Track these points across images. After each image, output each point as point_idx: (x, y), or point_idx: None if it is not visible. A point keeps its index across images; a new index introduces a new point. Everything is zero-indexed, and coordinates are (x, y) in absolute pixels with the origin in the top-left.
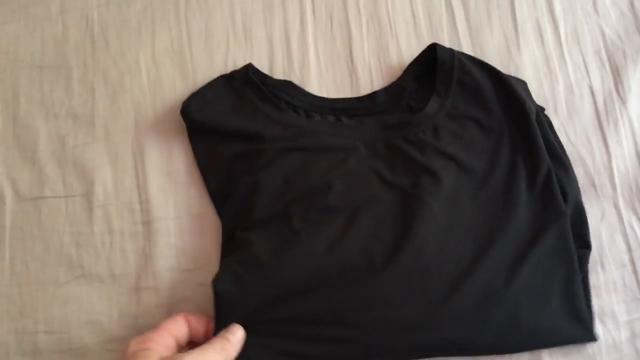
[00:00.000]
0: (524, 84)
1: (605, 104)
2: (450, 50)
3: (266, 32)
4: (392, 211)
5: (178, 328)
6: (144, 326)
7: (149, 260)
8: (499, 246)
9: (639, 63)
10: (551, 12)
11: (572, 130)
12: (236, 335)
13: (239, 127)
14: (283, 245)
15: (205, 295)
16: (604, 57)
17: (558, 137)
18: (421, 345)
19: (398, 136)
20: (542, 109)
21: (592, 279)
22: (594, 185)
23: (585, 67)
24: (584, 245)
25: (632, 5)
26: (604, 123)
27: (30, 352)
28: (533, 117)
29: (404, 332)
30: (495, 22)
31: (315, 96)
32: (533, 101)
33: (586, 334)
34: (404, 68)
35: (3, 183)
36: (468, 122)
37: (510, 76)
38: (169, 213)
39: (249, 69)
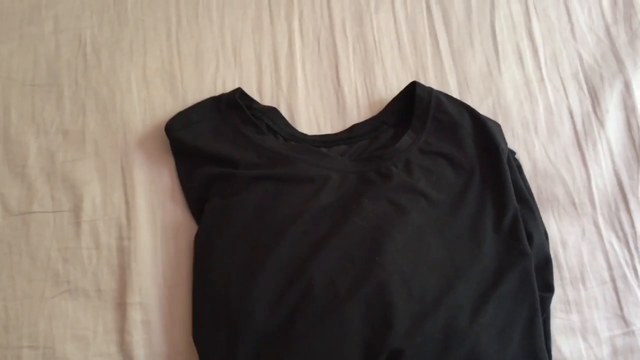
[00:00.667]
0: (498, 126)
1: (583, 124)
2: (429, 89)
3: (255, 53)
4: (358, 243)
5: None
6: (129, 342)
7: (136, 275)
8: (464, 284)
9: (615, 86)
10: (531, 37)
11: (552, 150)
12: None
13: (216, 150)
14: (246, 277)
15: (190, 311)
16: (582, 80)
17: (527, 181)
18: None
19: (371, 169)
20: (513, 153)
21: (574, 296)
22: (574, 204)
23: (564, 89)
24: (547, 288)
25: (608, 31)
26: (583, 143)
27: None
28: (505, 159)
29: None
30: (477, 46)
31: (295, 129)
32: (506, 144)
33: None
34: (389, 88)
35: None
36: (440, 158)
37: (486, 117)
38: (156, 229)
39: (237, 92)
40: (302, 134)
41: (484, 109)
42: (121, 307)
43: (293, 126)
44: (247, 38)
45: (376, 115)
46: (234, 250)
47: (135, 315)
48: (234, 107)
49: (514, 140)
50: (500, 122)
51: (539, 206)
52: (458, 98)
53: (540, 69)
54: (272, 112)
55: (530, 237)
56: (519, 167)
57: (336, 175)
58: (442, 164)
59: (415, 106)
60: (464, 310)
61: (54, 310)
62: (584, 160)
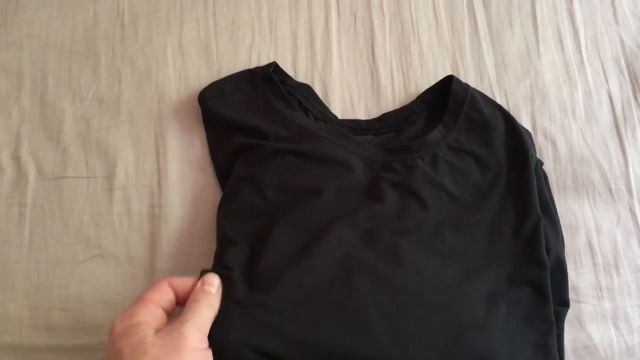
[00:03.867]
0: (529, 134)
1: (623, 110)
2: (466, 85)
3: (291, 28)
4: (375, 229)
5: (163, 297)
6: None
7: (165, 243)
8: (476, 283)
9: None
10: (572, 19)
11: (589, 135)
12: (215, 284)
13: (246, 121)
14: (260, 253)
15: None
16: (623, 65)
17: (551, 193)
18: None
19: (397, 159)
20: (541, 163)
21: (606, 282)
22: (610, 190)
23: (604, 73)
24: (562, 303)
25: None
26: (622, 129)
27: (43, 328)
28: (533, 166)
29: (380, 350)
30: (516, 27)
31: (328, 109)
32: (535, 152)
33: None
34: (425, 67)
35: (27, 162)
36: (468, 157)
37: (519, 123)
38: (187, 198)
39: (271, 66)
40: (334, 115)
41: (521, 91)
42: (151, 273)
43: (326, 105)
44: (283, 12)
45: (408, 105)
46: (254, 219)
47: None
48: (268, 81)
49: (551, 124)
50: (537, 105)
51: (575, 191)
52: (495, 79)
53: (580, 52)
54: (306, 89)
55: (548, 250)
56: (546, 177)
57: (361, 161)
58: (469, 163)
59: (449, 101)
60: (477, 308)
61: (85, 274)
62: (622, 146)
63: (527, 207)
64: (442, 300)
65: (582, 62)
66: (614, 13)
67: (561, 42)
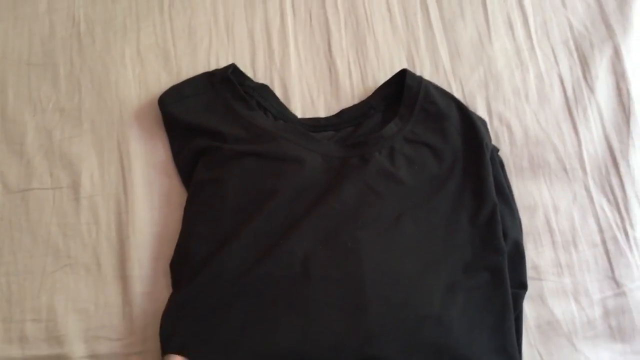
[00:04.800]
0: (484, 122)
1: (574, 91)
2: (419, 79)
3: (247, 28)
4: (333, 227)
5: None
6: (129, 313)
7: (134, 249)
8: (436, 273)
9: (605, 52)
10: (521, 6)
11: (543, 117)
12: None
13: (206, 124)
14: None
15: None
16: (572, 47)
17: (508, 180)
18: None
19: (354, 154)
20: (497, 150)
21: (566, 259)
22: (565, 170)
23: (555, 57)
24: (521, 285)
25: None
26: (574, 110)
27: (17, 340)
28: (489, 155)
29: (342, 349)
30: (468, 17)
31: (286, 108)
32: (490, 140)
33: None
34: (381, 60)
35: None
36: (424, 148)
37: (473, 112)
38: (154, 202)
39: (230, 68)
40: (292, 114)
41: (475, 78)
42: (122, 280)
43: (285, 105)
44: (239, 12)
45: (365, 100)
46: (215, 222)
47: (135, 288)
48: (226, 83)
49: (506, 108)
50: (492, 90)
51: (531, 172)
52: (450, 69)
53: (530, 37)
54: (264, 90)
55: (505, 234)
56: (502, 163)
57: (320, 158)
58: (426, 154)
59: (404, 95)
60: (435, 298)
61: (56, 284)
62: (575, 126)
63: (483, 194)
64: (401, 296)
65: (532, 47)
66: None
67: (512, 29)
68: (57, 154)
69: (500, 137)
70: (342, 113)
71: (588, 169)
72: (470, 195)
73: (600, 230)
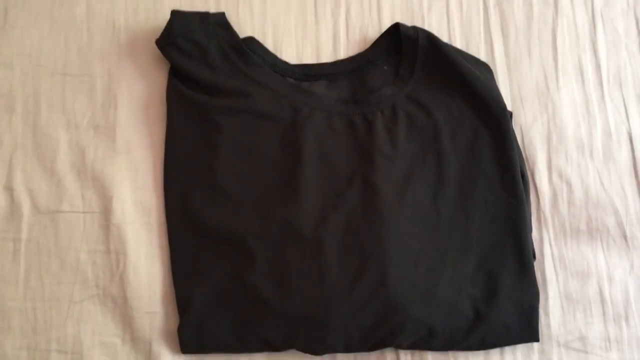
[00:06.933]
0: (489, 69)
1: None
2: (419, 30)
3: (297, 52)
4: (341, 189)
5: None
6: (157, 352)
7: (162, 283)
8: (446, 235)
9: None
10: (594, 50)
11: (606, 177)
12: None
13: (204, 77)
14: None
15: None
16: None
17: (519, 145)
18: (367, 328)
19: (356, 112)
20: (510, 114)
21: (615, 333)
22: (624, 237)
23: (626, 110)
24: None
25: None
26: None
27: None
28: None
29: (355, 311)
30: (535, 57)
31: (277, 57)
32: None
33: (530, 333)
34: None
35: (21, 193)
36: (428, 106)
37: (477, 59)
38: None
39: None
40: (284, 62)
41: (537, 127)
42: (148, 315)
43: (275, 54)
44: (288, 34)
45: (362, 52)
46: (212, 186)
47: (161, 325)
48: (223, 29)
49: (567, 163)
50: (554, 142)
51: (588, 236)
52: (510, 111)
53: (601, 85)
54: (252, 42)
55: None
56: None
57: (321, 113)
58: (429, 111)
59: (404, 51)
60: (449, 259)
61: (83, 314)
62: None
63: (503, 157)
64: (410, 258)
65: (602, 97)
66: None
67: (582, 74)
68: (90, 174)
69: (558, 194)
70: (338, 64)
71: None
72: (489, 156)
73: None
